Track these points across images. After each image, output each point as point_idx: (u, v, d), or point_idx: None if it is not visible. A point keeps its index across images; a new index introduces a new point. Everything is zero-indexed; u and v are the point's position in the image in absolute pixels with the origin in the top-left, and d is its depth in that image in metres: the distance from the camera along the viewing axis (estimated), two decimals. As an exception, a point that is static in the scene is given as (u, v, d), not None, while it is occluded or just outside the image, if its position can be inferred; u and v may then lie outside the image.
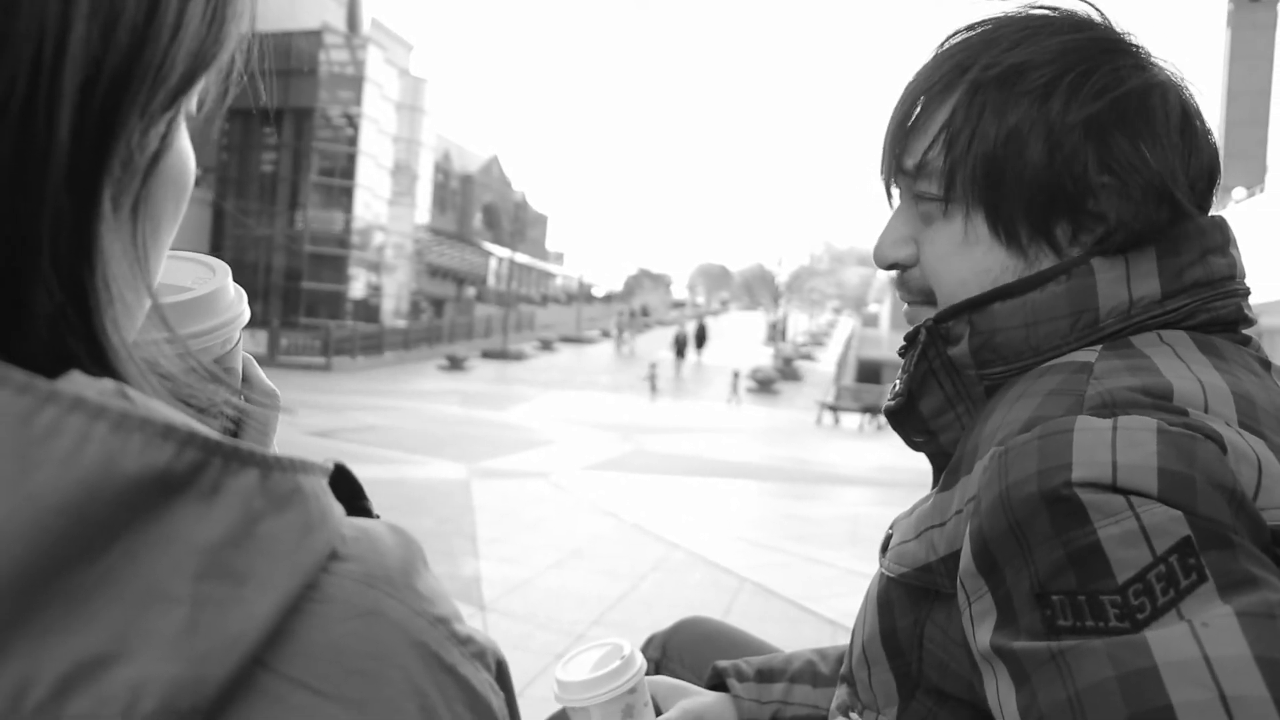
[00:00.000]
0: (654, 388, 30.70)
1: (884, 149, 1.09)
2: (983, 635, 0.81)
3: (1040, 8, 1.04)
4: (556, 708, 1.36)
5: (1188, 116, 0.99)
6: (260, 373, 0.87)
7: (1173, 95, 0.98)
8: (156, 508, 0.36)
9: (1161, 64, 1.01)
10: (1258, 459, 0.79)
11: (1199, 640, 0.68)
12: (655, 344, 48.29)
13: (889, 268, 1.12)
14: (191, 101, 0.47)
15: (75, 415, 0.35)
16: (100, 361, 0.42)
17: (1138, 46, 1.02)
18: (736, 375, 31.76)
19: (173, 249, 0.54)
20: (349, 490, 0.63)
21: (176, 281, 0.76)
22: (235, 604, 0.37)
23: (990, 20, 1.04)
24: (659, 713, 1.29)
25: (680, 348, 37.94)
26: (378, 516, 0.56)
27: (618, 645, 1.27)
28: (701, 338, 38.27)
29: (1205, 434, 0.78)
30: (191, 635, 0.35)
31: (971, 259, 1.03)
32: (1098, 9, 1.04)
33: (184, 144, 0.49)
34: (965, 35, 1.05)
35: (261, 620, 0.37)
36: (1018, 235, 1.00)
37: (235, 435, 0.69)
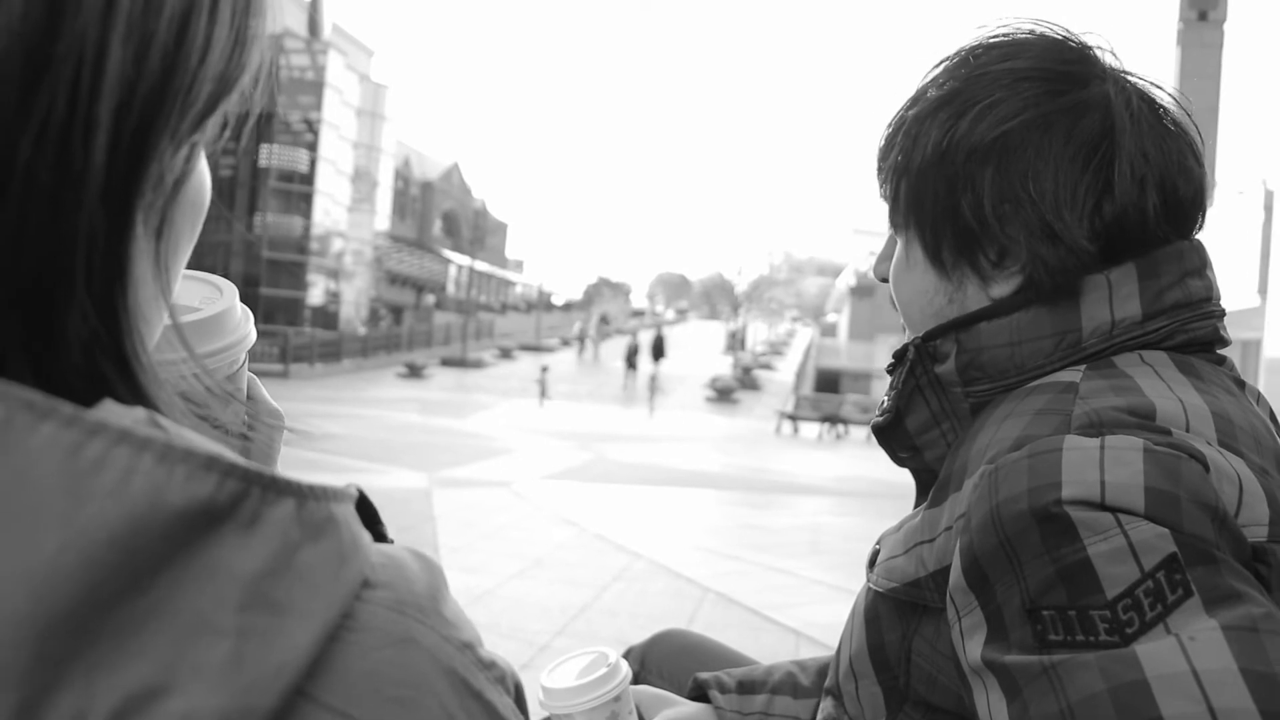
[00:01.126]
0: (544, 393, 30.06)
1: (875, 172, 1.15)
2: (973, 649, 0.83)
3: (1002, 34, 1.07)
4: (540, 715, 1.36)
5: (1110, 138, 0.98)
6: (265, 393, 0.87)
7: (1089, 121, 0.98)
8: (200, 539, 0.36)
9: (1123, 84, 1.02)
10: (1238, 477, 0.81)
11: (1187, 654, 0.70)
12: (616, 352, 48.25)
13: (882, 280, 1.19)
14: (214, 125, 0.48)
15: (122, 448, 0.35)
16: (130, 384, 0.42)
17: (1075, 70, 1.02)
18: (654, 378, 30.80)
19: None
20: (367, 516, 0.64)
21: (185, 301, 0.76)
22: (277, 635, 0.37)
23: (955, 52, 1.09)
24: None
25: (631, 358, 37.09)
26: (391, 540, 0.56)
27: (603, 654, 1.27)
28: (659, 348, 37.38)
29: (1189, 453, 0.80)
30: (237, 667, 0.36)
31: (913, 279, 1.09)
32: (1058, 28, 1.06)
33: (203, 166, 0.50)
34: (934, 67, 1.09)
35: (303, 650, 0.38)
36: (942, 259, 1.04)
37: (243, 455, 0.70)
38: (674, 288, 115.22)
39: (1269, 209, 25.89)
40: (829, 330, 74.59)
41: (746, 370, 43.23)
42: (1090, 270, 0.98)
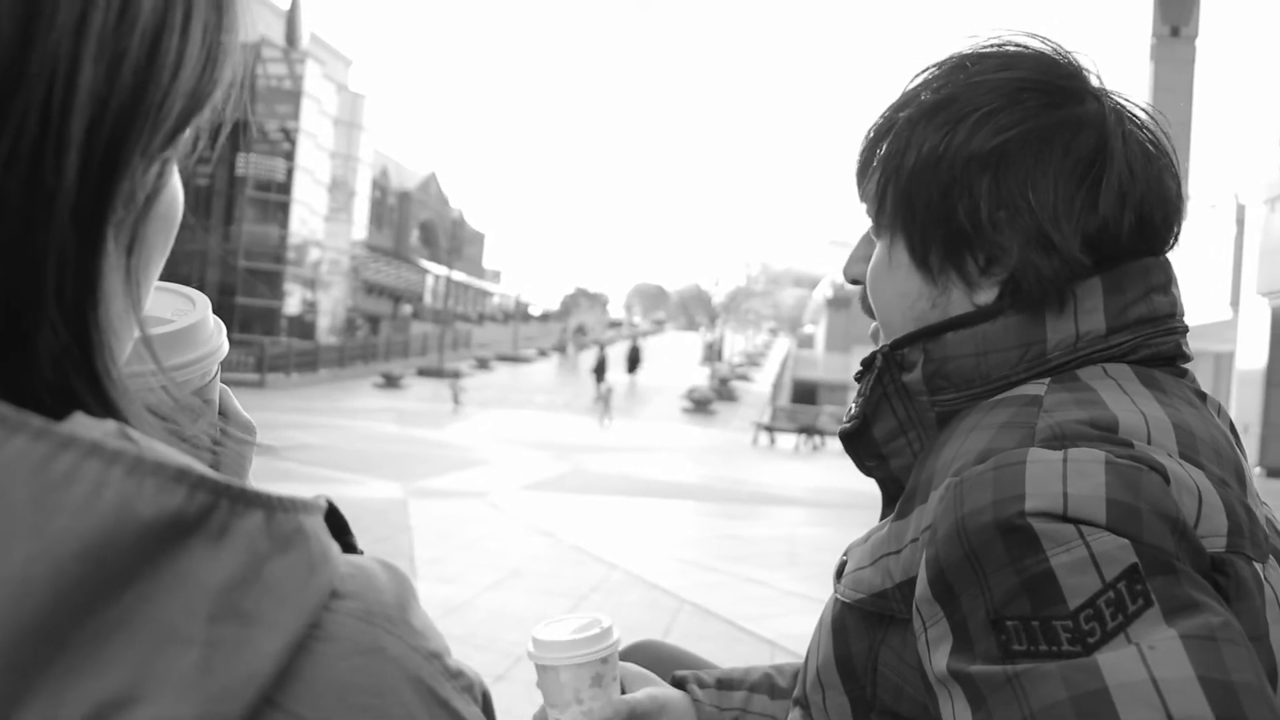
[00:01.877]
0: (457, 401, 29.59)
1: (856, 172, 1.15)
2: (939, 659, 0.84)
3: (995, 44, 1.08)
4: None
5: (1103, 156, 1.00)
6: (237, 405, 0.87)
7: (1085, 136, 1.00)
8: (170, 551, 0.36)
9: (1107, 102, 1.04)
10: (1198, 489, 0.83)
11: (1147, 663, 0.72)
12: (593, 361, 48.26)
13: (851, 282, 1.19)
14: (186, 140, 0.48)
15: (91, 460, 0.36)
16: (100, 398, 0.42)
17: (1071, 85, 1.04)
18: (610, 390, 29.56)
19: None
20: (337, 526, 0.65)
21: (157, 313, 0.76)
22: (246, 644, 0.37)
23: (948, 58, 1.09)
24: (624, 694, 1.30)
25: (600, 370, 35.87)
26: (361, 551, 0.57)
27: (597, 618, 1.29)
28: (635, 360, 36.66)
29: (1150, 465, 0.82)
30: (206, 676, 0.36)
31: (895, 282, 1.09)
32: (1052, 44, 1.08)
33: (175, 180, 0.50)
34: (926, 71, 1.10)
35: (271, 660, 0.38)
36: (929, 263, 1.05)
37: (215, 467, 0.70)
38: (651, 298, 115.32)
39: (1241, 222, 26.13)
40: (806, 341, 74.72)
41: (723, 381, 43.31)
42: (1079, 280, 0.99)
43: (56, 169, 0.39)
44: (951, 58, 1.09)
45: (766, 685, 1.35)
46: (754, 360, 61.59)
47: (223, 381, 0.85)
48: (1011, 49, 1.07)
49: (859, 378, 1.11)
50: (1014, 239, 0.99)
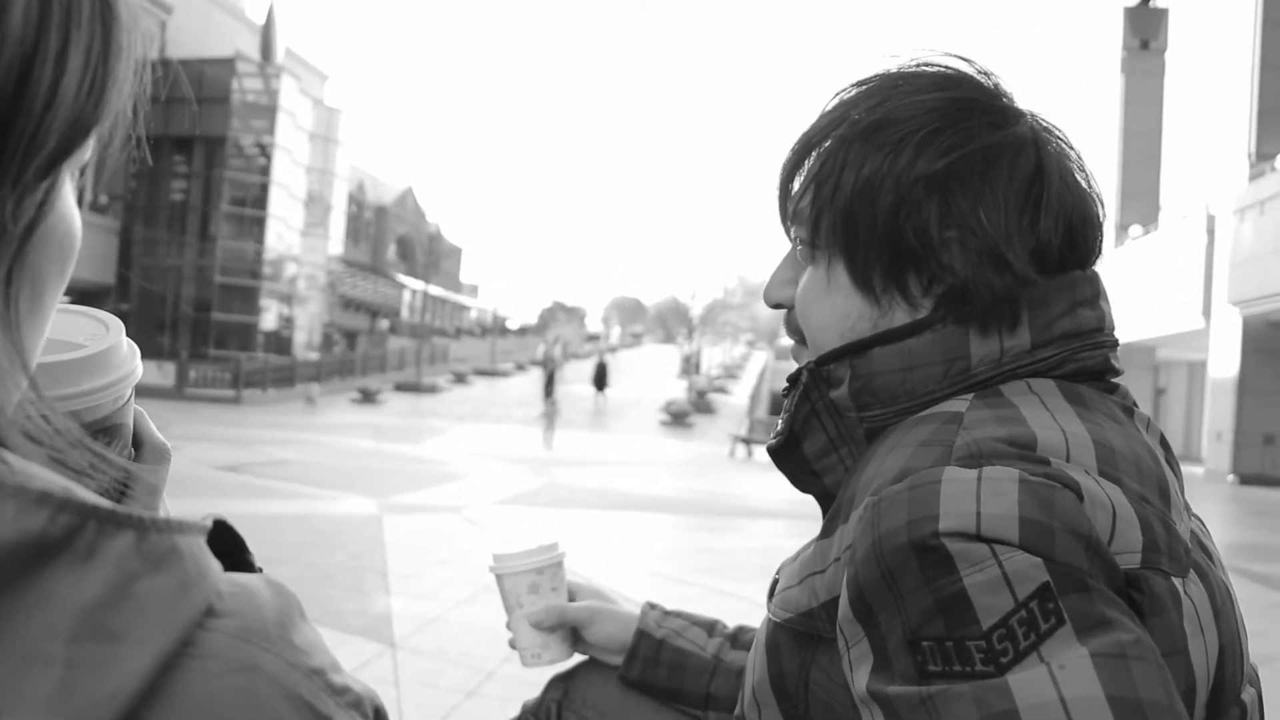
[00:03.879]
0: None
1: (777, 193, 1.15)
2: (860, 680, 0.85)
3: (922, 64, 1.09)
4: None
5: (1041, 176, 1.01)
6: (152, 428, 0.86)
7: (1025, 157, 1.02)
8: (31, 572, 0.36)
9: (1034, 122, 1.05)
10: (1112, 506, 0.83)
11: (1056, 683, 0.73)
12: (573, 375, 48.16)
13: (774, 306, 1.19)
14: (76, 165, 0.47)
15: None
16: None
17: (1004, 105, 1.05)
18: (554, 402, 27.52)
19: (77, 283, 0.56)
20: (231, 545, 0.66)
21: (69, 337, 0.76)
22: (111, 663, 0.37)
23: (874, 77, 1.10)
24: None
25: (548, 386, 35.80)
26: (260, 569, 0.58)
27: (555, 544, 1.56)
28: (602, 377, 35.74)
29: (1064, 483, 0.82)
30: (66, 696, 0.36)
31: (832, 304, 1.09)
32: (975, 64, 1.09)
33: (66, 207, 0.49)
34: (851, 90, 1.10)
35: (136, 677, 0.37)
36: (872, 284, 1.05)
37: (124, 493, 0.69)
38: (629, 312, 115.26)
39: (1211, 233, 26.35)
40: (783, 354, 74.57)
41: (701, 394, 43.22)
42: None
43: None
44: (878, 77, 1.09)
45: (706, 624, 1.51)
46: (731, 373, 61.57)
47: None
48: (946, 69, 1.08)
49: (785, 394, 1.12)
50: (962, 258, 1.00)
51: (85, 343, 0.77)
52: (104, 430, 0.78)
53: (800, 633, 1.01)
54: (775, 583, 1.13)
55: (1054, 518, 0.80)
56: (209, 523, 0.47)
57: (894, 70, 1.09)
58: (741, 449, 26.84)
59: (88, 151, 0.48)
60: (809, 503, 1.18)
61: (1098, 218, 1.06)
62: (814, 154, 1.10)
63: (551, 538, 1.60)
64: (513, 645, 1.55)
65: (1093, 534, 0.80)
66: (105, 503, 0.39)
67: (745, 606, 6.82)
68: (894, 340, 1.03)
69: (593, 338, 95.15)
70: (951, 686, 0.76)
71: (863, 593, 0.85)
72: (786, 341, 1.19)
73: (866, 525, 0.86)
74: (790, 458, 1.11)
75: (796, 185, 1.12)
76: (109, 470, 0.74)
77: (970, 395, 0.98)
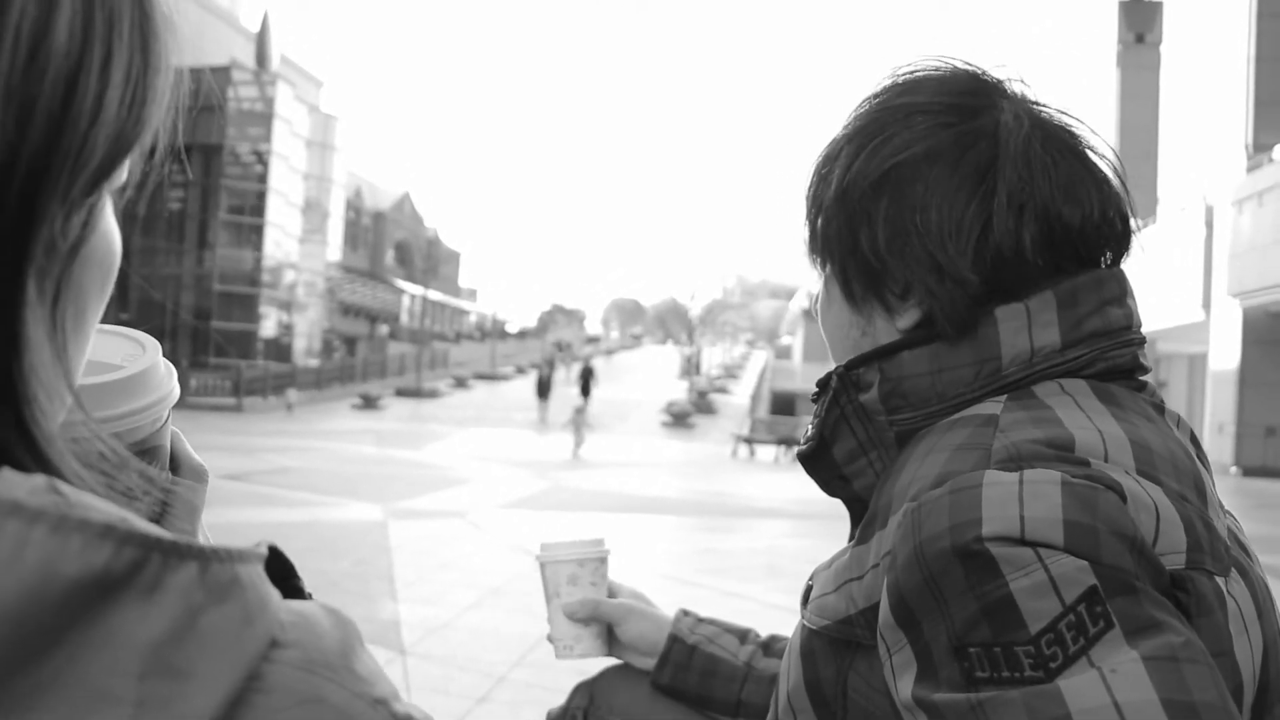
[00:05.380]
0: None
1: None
2: (904, 687, 0.84)
3: (907, 70, 1.09)
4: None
5: (994, 169, 0.99)
6: (189, 449, 0.85)
7: (978, 150, 1.00)
8: (97, 608, 0.36)
9: (1007, 113, 1.02)
10: (1155, 506, 0.83)
11: (1109, 686, 0.72)
12: (571, 379, 48.16)
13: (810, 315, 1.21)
14: (116, 182, 0.47)
15: (13, 521, 0.35)
16: (34, 453, 0.41)
17: (968, 102, 1.03)
18: (583, 411, 25.41)
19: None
20: (281, 570, 0.65)
21: (106, 358, 0.75)
22: (179, 700, 0.37)
23: (875, 90, 1.11)
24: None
25: (543, 389, 34.95)
26: (309, 595, 0.57)
27: (601, 540, 1.60)
28: (586, 383, 34.77)
29: (1106, 484, 0.82)
30: None
31: (833, 313, 1.12)
32: (957, 60, 1.08)
33: (108, 225, 0.49)
34: (859, 105, 1.11)
35: (205, 716, 0.37)
36: (853, 293, 1.07)
37: (163, 514, 0.69)
38: (628, 313, 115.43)
39: (1210, 225, 26.36)
40: (783, 353, 74.76)
41: (702, 394, 43.27)
42: (980, 304, 0.98)
43: None
44: (872, 90, 1.11)
45: (739, 631, 1.51)
46: (732, 373, 61.56)
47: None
48: (920, 74, 1.08)
49: (815, 399, 1.11)
50: (909, 266, 1.00)
51: (122, 364, 0.76)
52: (143, 452, 0.77)
53: (837, 639, 1.01)
54: (809, 589, 1.12)
55: (1098, 520, 0.79)
56: (264, 549, 0.47)
57: (886, 81, 1.10)
58: (744, 449, 26.83)
59: (127, 168, 0.48)
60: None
61: (1092, 211, 1.01)
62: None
63: (599, 534, 1.63)
64: (549, 639, 1.56)
65: (1137, 535, 0.80)
66: (167, 534, 0.39)
67: (753, 607, 6.82)
68: (923, 343, 1.02)
69: (592, 339, 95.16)
70: (1001, 693, 0.76)
71: (904, 599, 0.84)
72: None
73: (906, 531, 0.85)
74: (820, 462, 1.10)
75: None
76: (154, 492, 0.73)
77: (1003, 397, 0.97)
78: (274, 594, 0.44)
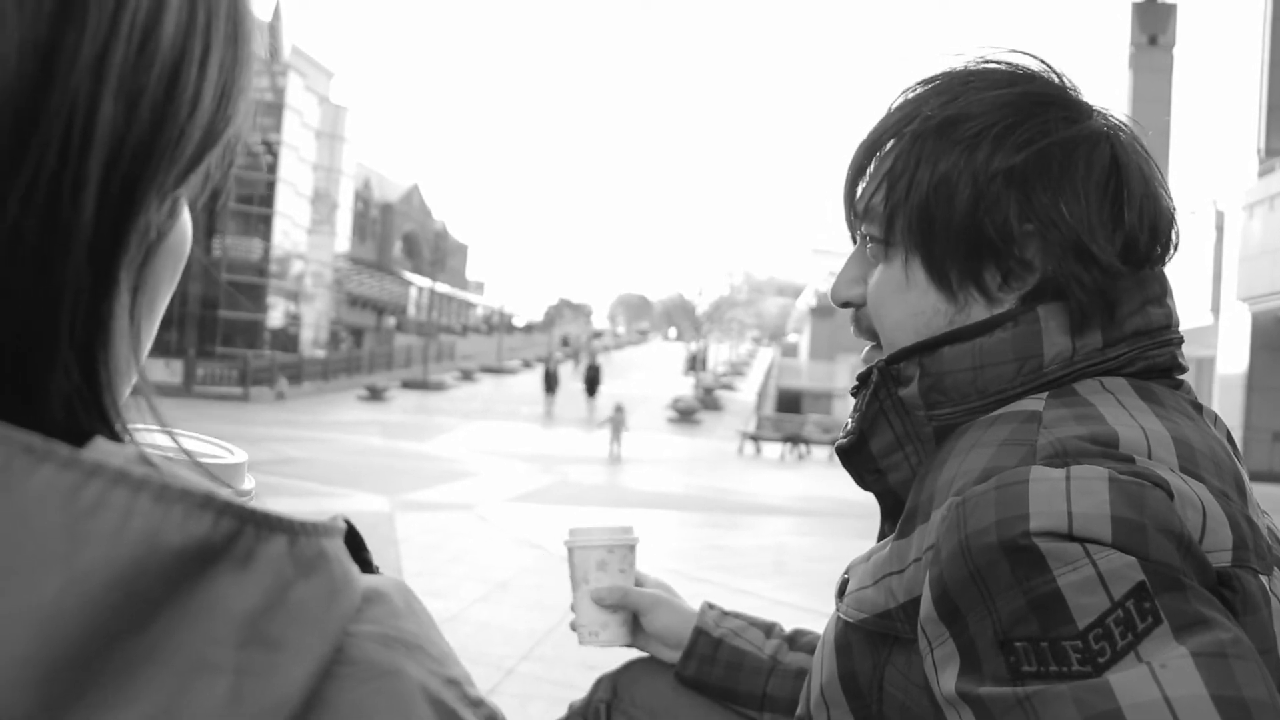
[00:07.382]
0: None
1: (843, 192, 1.14)
2: (947, 681, 0.84)
3: (990, 61, 1.09)
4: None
5: (1118, 171, 1.01)
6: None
7: (1101, 150, 1.01)
8: (198, 578, 0.36)
9: (1105, 118, 1.05)
10: (1201, 503, 0.83)
11: (1159, 682, 0.72)
12: (577, 373, 48.19)
13: (843, 305, 1.17)
14: (202, 173, 0.47)
15: (119, 489, 0.35)
16: (113, 439, 0.42)
17: (1076, 100, 1.06)
18: (620, 412, 23.63)
19: None
20: (352, 543, 0.65)
21: (205, 450, 0.75)
22: (275, 671, 0.37)
23: (940, 75, 1.09)
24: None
25: (550, 383, 35.08)
26: (378, 569, 0.57)
27: (631, 527, 1.58)
28: (593, 382, 35.00)
29: (1153, 481, 0.81)
30: (237, 704, 0.36)
31: (907, 301, 1.07)
32: (1044, 61, 1.09)
33: (186, 217, 0.49)
34: (918, 89, 1.09)
35: (299, 686, 0.38)
36: (949, 280, 1.04)
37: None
38: (635, 309, 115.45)
39: (1220, 229, 26.34)
40: (790, 350, 74.80)
41: (708, 391, 43.33)
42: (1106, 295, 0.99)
43: (74, 207, 0.39)
44: (945, 75, 1.09)
45: (765, 625, 1.52)
46: (738, 369, 61.60)
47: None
48: (1015, 66, 1.08)
49: (855, 393, 1.11)
50: (1044, 252, 1.00)
51: (220, 453, 0.76)
52: None
53: (874, 633, 1.01)
54: (845, 582, 1.12)
55: (1145, 516, 0.79)
56: (342, 524, 0.47)
57: (961, 68, 1.09)
58: (750, 446, 26.85)
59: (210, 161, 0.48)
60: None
61: (1169, 215, 1.05)
62: (881, 152, 1.09)
63: (629, 522, 1.60)
64: (573, 626, 1.56)
65: (1184, 532, 0.79)
66: (258, 506, 0.39)
67: (761, 604, 6.81)
68: (963, 339, 1.02)
69: (597, 334, 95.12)
70: (1049, 687, 0.76)
71: (948, 593, 0.84)
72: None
73: (951, 525, 0.85)
74: (857, 456, 1.10)
75: (863, 184, 1.12)
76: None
77: (1044, 394, 0.97)
78: (355, 569, 0.44)
